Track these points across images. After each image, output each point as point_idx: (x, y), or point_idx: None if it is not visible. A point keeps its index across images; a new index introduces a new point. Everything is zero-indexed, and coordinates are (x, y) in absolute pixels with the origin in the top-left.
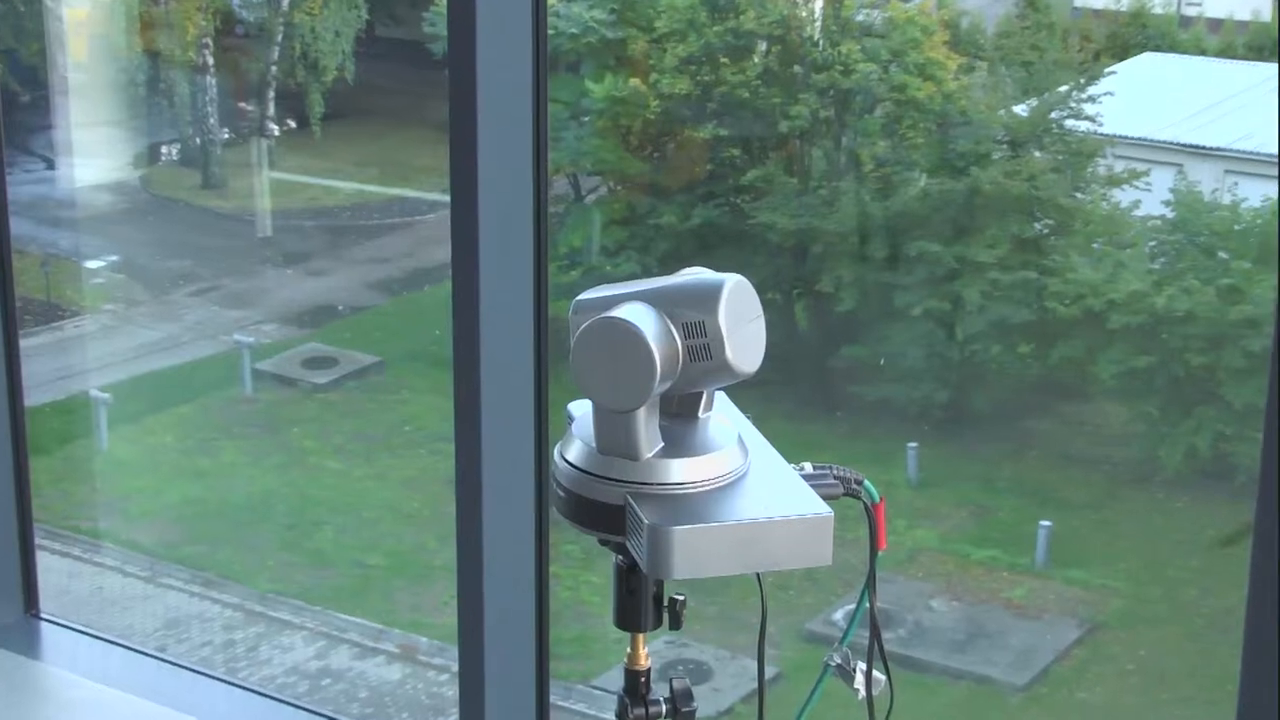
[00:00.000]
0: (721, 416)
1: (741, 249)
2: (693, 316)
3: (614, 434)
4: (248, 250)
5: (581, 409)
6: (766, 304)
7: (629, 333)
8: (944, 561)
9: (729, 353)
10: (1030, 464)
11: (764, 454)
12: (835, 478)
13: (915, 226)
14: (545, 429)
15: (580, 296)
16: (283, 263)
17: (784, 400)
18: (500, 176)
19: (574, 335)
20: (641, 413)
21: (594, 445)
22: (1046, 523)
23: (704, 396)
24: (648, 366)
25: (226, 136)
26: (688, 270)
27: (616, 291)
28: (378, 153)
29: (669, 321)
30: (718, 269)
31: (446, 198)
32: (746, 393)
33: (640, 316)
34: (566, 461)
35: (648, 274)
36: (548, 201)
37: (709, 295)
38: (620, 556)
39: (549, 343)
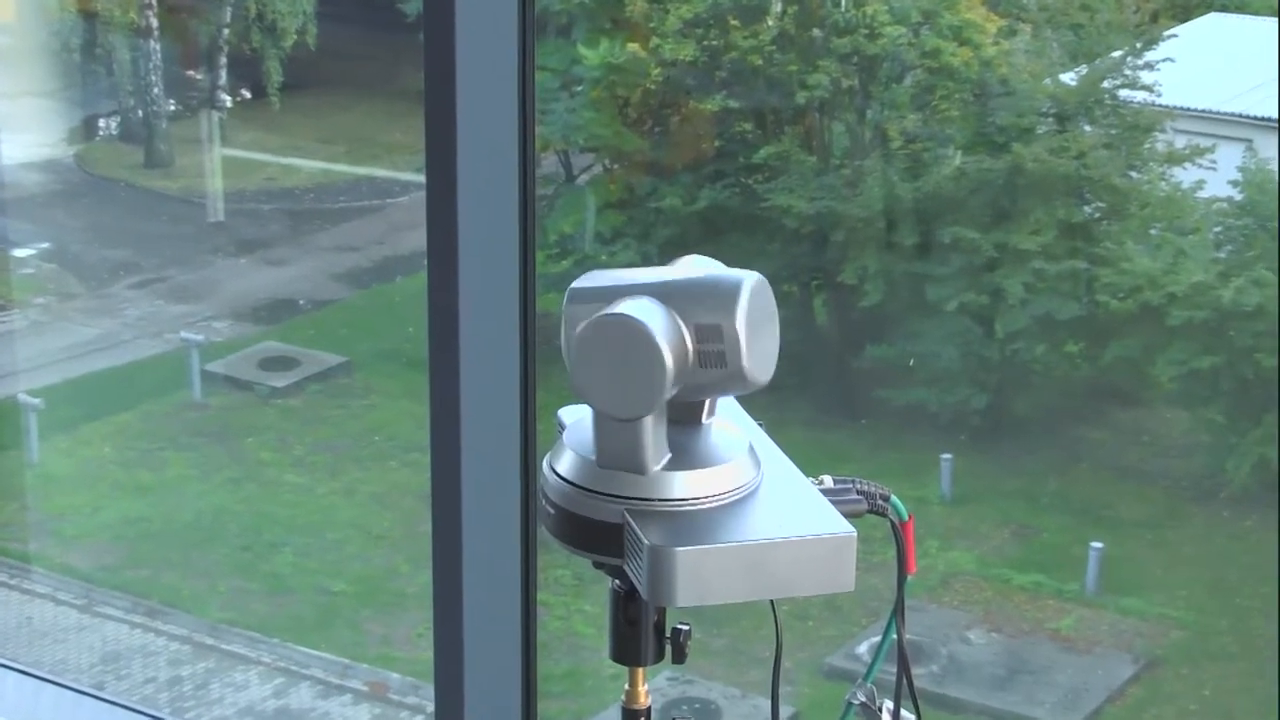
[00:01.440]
0: (729, 423)
1: (753, 235)
2: (707, 318)
3: (616, 444)
4: (197, 237)
5: (574, 416)
6: (782, 297)
7: (638, 332)
8: (982, 587)
9: (745, 362)
10: (1080, 478)
11: (778, 466)
12: (859, 493)
13: (949, 210)
14: (532, 438)
15: (576, 284)
16: (236, 251)
17: (801, 406)
18: (482, 154)
19: (569, 328)
20: (649, 421)
21: (589, 456)
22: (1098, 544)
23: (707, 401)
24: (659, 370)
25: (173, 109)
26: (688, 260)
27: (617, 282)
28: (344, 127)
29: (679, 321)
30: (725, 258)
31: (421, 178)
32: (758, 397)
33: (650, 314)
34: (557, 474)
35: (647, 264)
36: (535, 182)
37: (727, 296)
38: (617, 581)
39: (536, 341)
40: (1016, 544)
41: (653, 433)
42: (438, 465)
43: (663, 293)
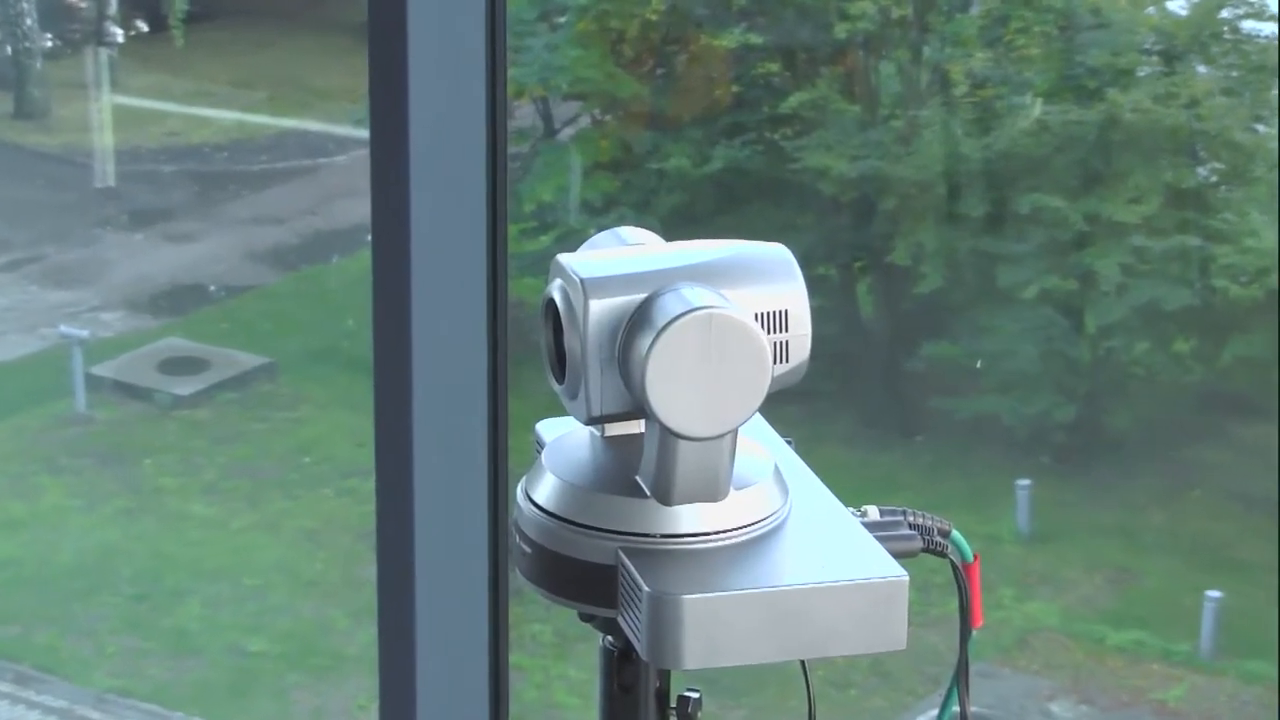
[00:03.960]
0: (750, 440)
1: (781, 204)
2: (770, 304)
3: (686, 469)
4: (80, 206)
5: (555, 431)
6: (817, 281)
7: (742, 330)
8: (1069, 647)
9: (807, 353)
10: (1191, 509)
11: (811, 494)
12: (912, 527)
13: (1028, 172)
14: (503, 460)
15: (585, 275)
16: (130, 224)
17: (840, 418)
18: (439, 102)
19: (585, 327)
20: (732, 438)
21: (576, 481)
22: (1215, 593)
23: None
24: (761, 373)
25: (49, 45)
26: (632, 233)
27: (639, 267)
28: (265, 68)
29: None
30: (746, 234)
31: (362, 132)
32: (788, 408)
33: (735, 306)
34: (534, 504)
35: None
36: (506, 138)
37: (788, 274)
38: (609, 638)
39: (509, 337)
40: (1112, 593)
41: (733, 450)
42: (384, 494)
43: (708, 275)
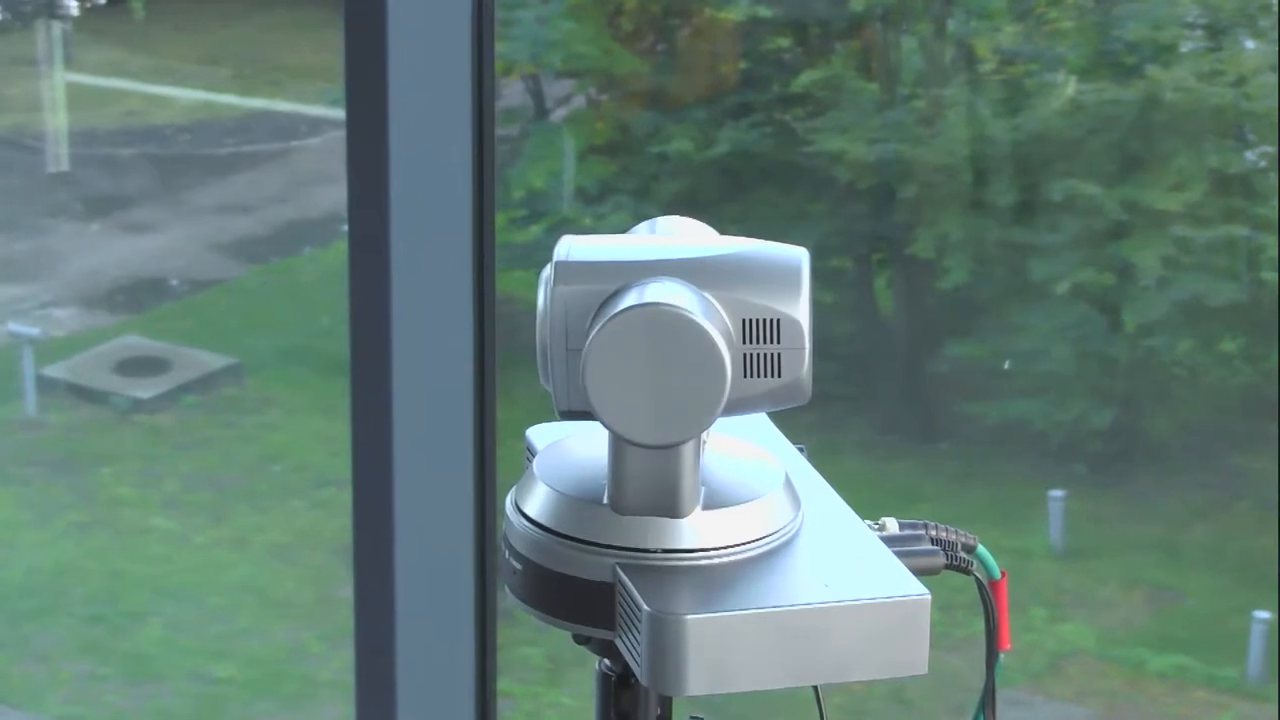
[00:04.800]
0: (759, 448)
1: (792, 191)
2: (760, 311)
3: (640, 481)
4: (29, 193)
5: (548, 437)
6: (832, 274)
7: (690, 329)
8: (1106, 672)
9: (805, 369)
10: (1239, 522)
11: (825, 505)
12: (934, 541)
13: (1061, 156)
14: (490, 468)
15: (561, 257)
16: (85, 212)
17: (857, 424)
18: (421, 80)
19: (559, 319)
20: (689, 449)
21: (571, 492)
22: (1264, 614)
23: None
24: (715, 381)
25: None
26: (669, 222)
27: (622, 256)
28: (232, 43)
29: (723, 314)
30: (753, 224)
31: (338, 113)
32: (800, 413)
33: (694, 304)
34: (524, 517)
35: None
36: (494, 120)
37: (787, 279)
38: (606, 661)
39: (497, 336)
40: (1152, 613)
41: (693, 464)
42: (361, 506)
43: (693, 272)
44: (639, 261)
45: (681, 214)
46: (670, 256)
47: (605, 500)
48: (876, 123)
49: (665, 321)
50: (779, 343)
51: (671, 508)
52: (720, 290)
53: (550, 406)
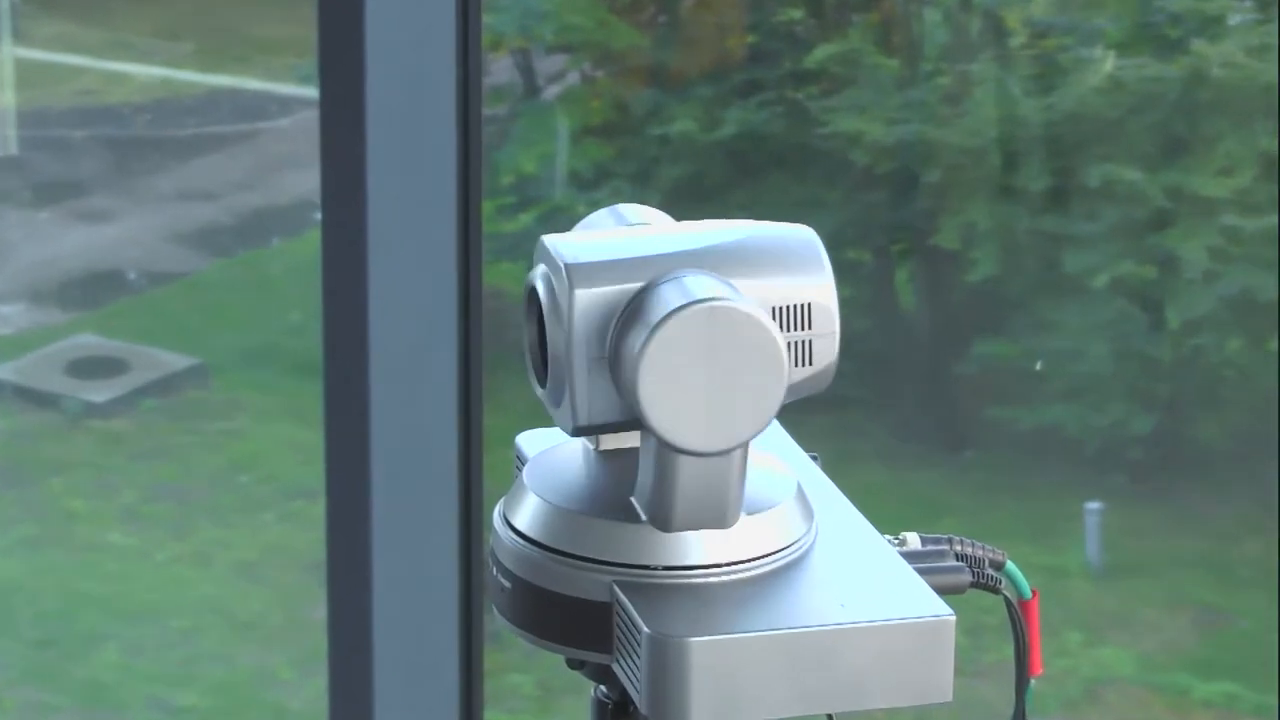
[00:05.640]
0: (769, 456)
1: (805, 176)
2: (792, 296)
3: (694, 494)
4: None
5: (539, 444)
6: (849, 266)
7: (750, 324)
8: (1148, 700)
9: (834, 355)
10: None
11: (840, 518)
12: (959, 557)
13: (1098, 138)
14: (476, 478)
15: (571, 256)
16: (35, 199)
17: (876, 431)
18: (400, 55)
19: (566, 322)
20: (741, 453)
21: (564, 504)
22: None
23: None
24: (774, 377)
25: None
26: (632, 210)
27: (633, 251)
28: (194, 16)
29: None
30: (764, 211)
31: (310, 91)
32: (814, 418)
33: (739, 296)
34: (514, 531)
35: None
36: (481, 99)
37: (813, 262)
38: (603, 688)
39: (484, 335)
40: (1198, 636)
41: (742, 469)
42: (335, 520)
43: (715, 261)
44: (657, 256)
45: (686, 202)
46: (687, 248)
47: (644, 517)
48: (897, 102)
49: (724, 318)
50: (810, 329)
51: (720, 518)
52: (746, 278)
53: (543, 413)
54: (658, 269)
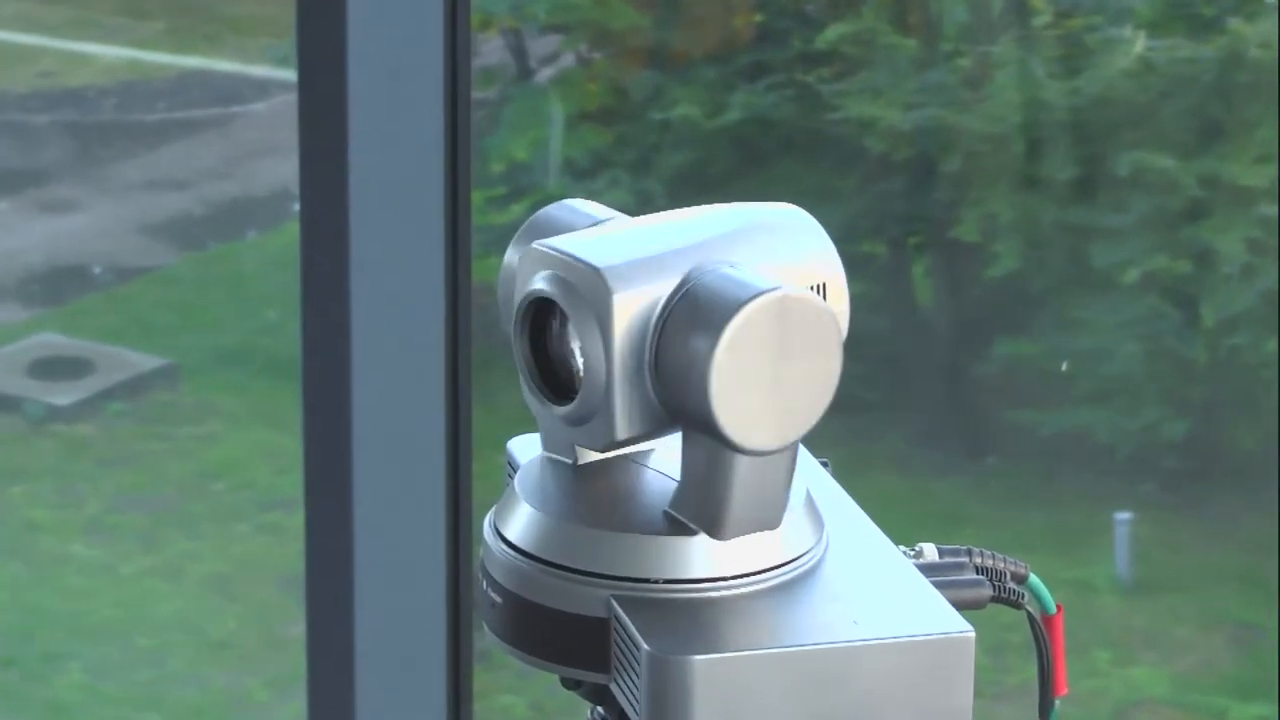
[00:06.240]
0: None
1: (816, 164)
2: (808, 277)
3: (750, 497)
4: None
5: (533, 449)
6: (863, 260)
7: (816, 314)
8: None
9: (845, 330)
10: None
11: (852, 528)
12: (979, 570)
13: (1128, 124)
14: (465, 486)
15: (598, 258)
16: None
17: (891, 435)
18: (384, 36)
19: (617, 329)
20: (793, 450)
21: (558, 514)
22: None
23: None
24: (832, 367)
25: None
26: (584, 206)
27: (653, 247)
28: None
29: None
30: (753, 199)
31: (288, 74)
32: (824, 420)
33: (798, 286)
34: (505, 542)
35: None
36: (470, 81)
37: (818, 237)
38: (600, 710)
39: (473, 332)
40: (1235, 655)
41: (792, 465)
42: (314, 531)
43: (730, 249)
44: (677, 251)
45: (688, 190)
46: (702, 238)
47: (697, 527)
48: (914, 85)
49: (792, 307)
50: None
51: (773, 519)
52: (769, 263)
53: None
54: (689, 262)
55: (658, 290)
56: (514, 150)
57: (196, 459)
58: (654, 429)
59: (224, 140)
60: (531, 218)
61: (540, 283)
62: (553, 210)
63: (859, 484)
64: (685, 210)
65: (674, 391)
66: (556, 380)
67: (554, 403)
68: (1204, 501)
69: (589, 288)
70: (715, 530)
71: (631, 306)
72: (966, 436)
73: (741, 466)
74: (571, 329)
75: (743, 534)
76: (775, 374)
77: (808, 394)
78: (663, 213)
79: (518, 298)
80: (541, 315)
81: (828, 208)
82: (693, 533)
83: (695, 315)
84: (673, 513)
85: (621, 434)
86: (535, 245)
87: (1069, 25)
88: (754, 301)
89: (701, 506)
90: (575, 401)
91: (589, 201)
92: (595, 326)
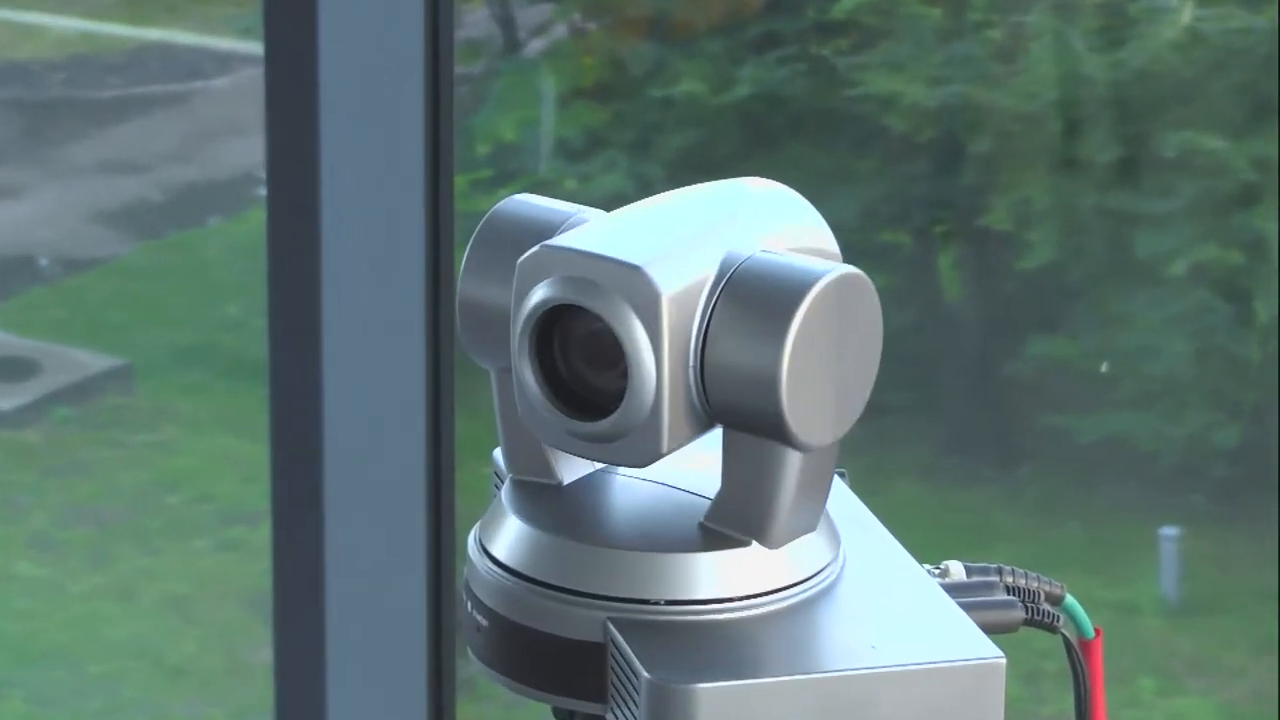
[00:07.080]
0: None
1: (832, 145)
2: (829, 257)
3: (803, 498)
4: None
5: None
6: (885, 250)
7: (870, 294)
8: None
9: None
10: None
11: (872, 544)
12: (1010, 590)
13: (1173, 103)
14: (448, 499)
15: (632, 255)
16: None
17: (915, 442)
18: (359, 6)
19: (666, 333)
20: (836, 444)
21: (550, 529)
22: None
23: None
24: (876, 352)
25: None
26: (539, 202)
27: (676, 237)
28: None
29: None
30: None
31: (253, 46)
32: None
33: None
34: (491, 560)
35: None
36: (453, 54)
37: (807, 211)
38: None
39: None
40: None
41: (834, 458)
42: (282, 547)
43: (745, 231)
44: (707, 237)
45: (693, 174)
46: (713, 220)
47: (745, 537)
48: (940, 58)
49: (850, 289)
50: None
51: (814, 521)
52: (788, 244)
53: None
54: (715, 253)
55: (698, 285)
56: (501, 130)
57: (152, 468)
58: (693, 435)
59: (184, 119)
60: (485, 221)
61: (555, 289)
62: (509, 209)
63: (879, 495)
64: (659, 198)
65: (729, 391)
66: (575, 397)
67: (581, 420)
68: (1258, 515)
69: (630, 289)
70: (766, 538)
71: (679, 305)
72: (997, 443)
73: (794, 465)
74: (602, 336)
75: (793, 539)
76: (836, 361)
77: (860, 379)
78: (633, 204)
79: (518, 309)
80: (544, 327)
81: (845, 192)
82: (695, 549)
83: (752, 306)
84: (711, 525)
85: (668, 446)
86: (543, 246)
87: None
88: (818, 285)
89: (750, 513)
90: (614, 416)
91: (538, 196)
92: (640, 331)
